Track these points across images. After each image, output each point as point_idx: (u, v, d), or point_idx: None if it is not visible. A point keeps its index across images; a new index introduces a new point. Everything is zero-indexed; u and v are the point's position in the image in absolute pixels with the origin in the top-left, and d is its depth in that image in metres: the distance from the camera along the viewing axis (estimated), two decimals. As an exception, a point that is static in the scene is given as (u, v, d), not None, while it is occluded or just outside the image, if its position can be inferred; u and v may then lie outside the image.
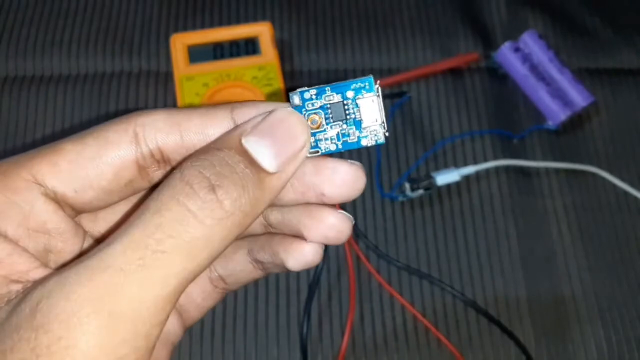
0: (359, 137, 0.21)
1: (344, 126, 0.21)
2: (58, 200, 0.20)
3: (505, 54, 0.48)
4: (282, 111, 0.20)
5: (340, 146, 0.21)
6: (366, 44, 0.49)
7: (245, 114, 0.20)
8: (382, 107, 0.21)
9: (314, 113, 0.21)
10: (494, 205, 0.44)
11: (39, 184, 0.19)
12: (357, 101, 0.21)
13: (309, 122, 0.21)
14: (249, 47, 0.47)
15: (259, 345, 0.40)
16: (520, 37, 0.48)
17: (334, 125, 0.21)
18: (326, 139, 0.21)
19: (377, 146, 0.23)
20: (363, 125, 0.21)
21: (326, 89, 0.21)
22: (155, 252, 0.17)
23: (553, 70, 0.47)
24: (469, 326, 0.41)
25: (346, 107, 0.21)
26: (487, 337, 0.40)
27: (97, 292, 0.16)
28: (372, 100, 0.21)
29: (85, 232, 0.21)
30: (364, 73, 0.48)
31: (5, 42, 0.48)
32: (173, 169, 0.21)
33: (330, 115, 0.21)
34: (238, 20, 0.50)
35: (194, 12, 0.50)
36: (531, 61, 0.47)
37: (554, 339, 0.41)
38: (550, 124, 0.46)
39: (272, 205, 0.22)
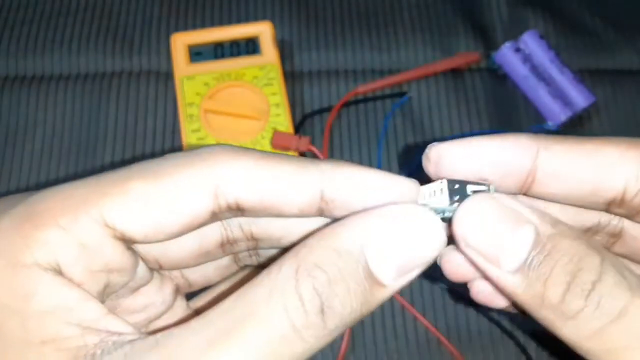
0: None
1: None
2: (125, 241, 0.19)
3: (506, 54, 0.47)
4: (420, 220, 0.19)
5: None
6: (367, 44, 0.49)
7: (338, 184, 0.19)
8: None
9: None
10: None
11: (110, 227, 0.18)
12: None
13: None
14: (250, 46, 0.47)
15: (259, 345, 0.39)
16: (520, 37, 0.48)
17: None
18: None
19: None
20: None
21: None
22: None
23: (553, 70, 0.47)
24: (469, 326, 0.41)
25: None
26: (487, 337, 0.40)
27: None
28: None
29: (137, 258, 0.21)
30: (364, 73, 0.48)
31: (5, 41, 0.48)
32: (270, 260, 0.20)
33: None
34: (239, 19, 0.50)
35: (194, 11, 0.50)
36: (531, 61, 0.47)
37: (554, 339, 0.41)
38: (550, 124, 0.46)
39: None
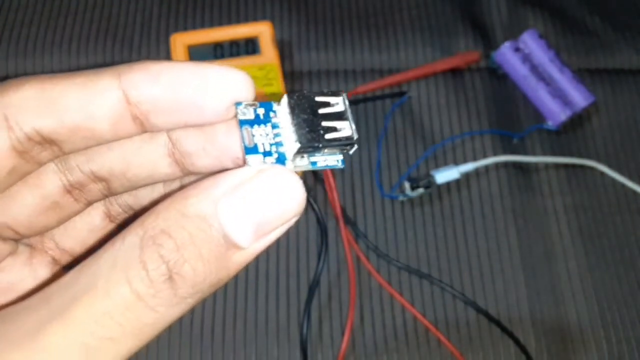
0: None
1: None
2: None
3: (505, 53, 0.47)
4: (277, 180, 0.17)
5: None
6: (366, 44, 0.49)
7: (136, 81, 0.18)
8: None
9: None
10: (493, 204, 0.44)
11: None
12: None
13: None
14: (249, 46, 0.47)
15: (259, 345, 0.40)
16: (520, 36, 0.48)
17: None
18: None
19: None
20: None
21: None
22: (102, 338, 0.16)
23: (553, 70, 0.47)
24: (469, 326, 0.41)
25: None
26: (487, 337, 0.40)
27: None
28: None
29: None
30: (364, 73, 0.48)
31: (5, 42, 0.48)
32: (127, 221, 0.19)
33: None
34: (238, 19, 0.50)
35: (194, 11, 0.50)
36: (531, 61, 0.47)
37: (553, 339, 0.41)
38: (550, 124, 0.46)
39: (187, 172, 0.20)
